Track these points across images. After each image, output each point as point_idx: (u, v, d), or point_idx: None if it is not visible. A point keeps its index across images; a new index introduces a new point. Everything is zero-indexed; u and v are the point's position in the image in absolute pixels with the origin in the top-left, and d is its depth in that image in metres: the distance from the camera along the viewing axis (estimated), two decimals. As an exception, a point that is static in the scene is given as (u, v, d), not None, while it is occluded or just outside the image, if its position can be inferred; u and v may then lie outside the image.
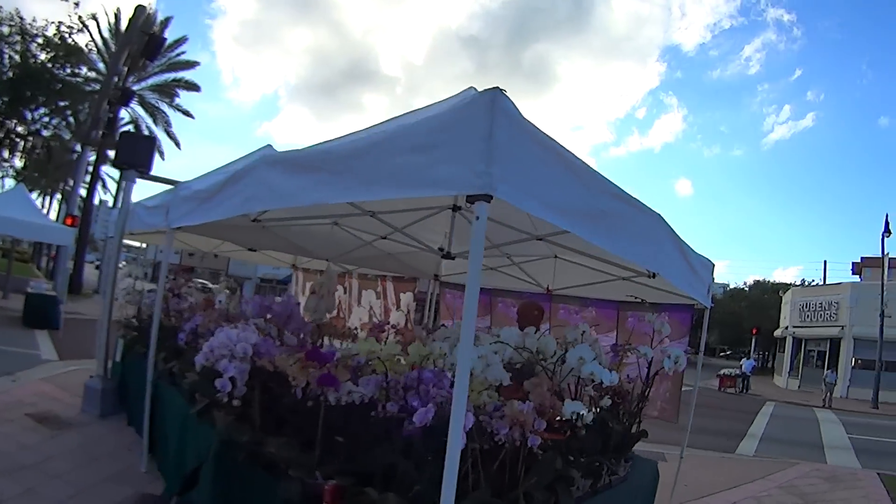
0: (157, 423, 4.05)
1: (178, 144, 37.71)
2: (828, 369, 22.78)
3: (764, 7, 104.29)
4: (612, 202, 2.39)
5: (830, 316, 26.78)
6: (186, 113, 28.00)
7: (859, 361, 24.32)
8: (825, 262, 76.12)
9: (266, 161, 2.80)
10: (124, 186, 5.84)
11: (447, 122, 1.87)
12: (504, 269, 5.42)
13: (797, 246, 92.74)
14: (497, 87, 1.80)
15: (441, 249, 4.55)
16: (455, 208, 4.06)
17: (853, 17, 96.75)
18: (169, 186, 5.07)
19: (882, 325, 21.06)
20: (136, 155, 5.64)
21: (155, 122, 27.15)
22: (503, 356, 2.58)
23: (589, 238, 2.19)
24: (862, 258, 42.74)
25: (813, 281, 43.50)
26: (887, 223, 21.57)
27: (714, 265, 4.05)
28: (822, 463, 8.49)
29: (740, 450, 9.15)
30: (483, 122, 1.76)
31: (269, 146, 5.50)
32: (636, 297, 4.50)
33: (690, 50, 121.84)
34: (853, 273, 39.27)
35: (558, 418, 2.37)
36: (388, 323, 4.74)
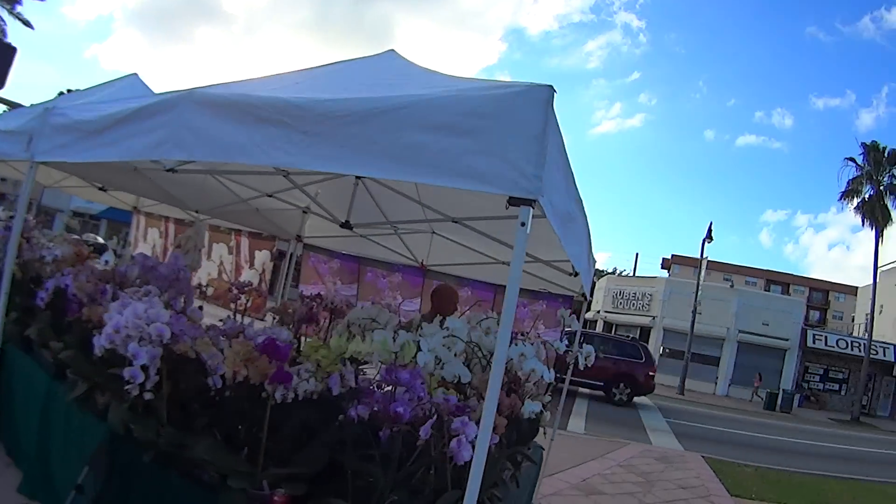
0: (5, 400, 3.38)
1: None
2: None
3: (616, 9, 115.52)
4: (576, 206, 2.48)
5: (643, 306, 29.93)
6: (26, 23, 22.72)
7: (667, 350, 27.77)
8: (637, 254, 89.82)
9: (195, 100, 2.29)
10: None
11: (488, 109, 1.72)
12: (375, 238, 5.27)
13: (608, 233, 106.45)
14: (551, 86, 1.69)
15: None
16: (359, 177, 3.85)
17: (699, 35, 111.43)
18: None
19: (693, 321, 24.59)
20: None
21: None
22: (455, 350, 2.50)
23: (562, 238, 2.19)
24: (672, 255, 51.47)
25: (624, 270, 49.65)
26: (710, 230, 25.16)
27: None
28: (649, 444, 9.58)
29: (571, 427, 9.90)
30: (537, 120, 1.66)
31: (136, 75, 4.80)
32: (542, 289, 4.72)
33: (535, 35, 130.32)
34: (662, 267, 45.82)
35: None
36: (250, 284, 4.31)
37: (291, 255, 5.96)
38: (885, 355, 27.22)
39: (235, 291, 3.29)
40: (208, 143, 2.20)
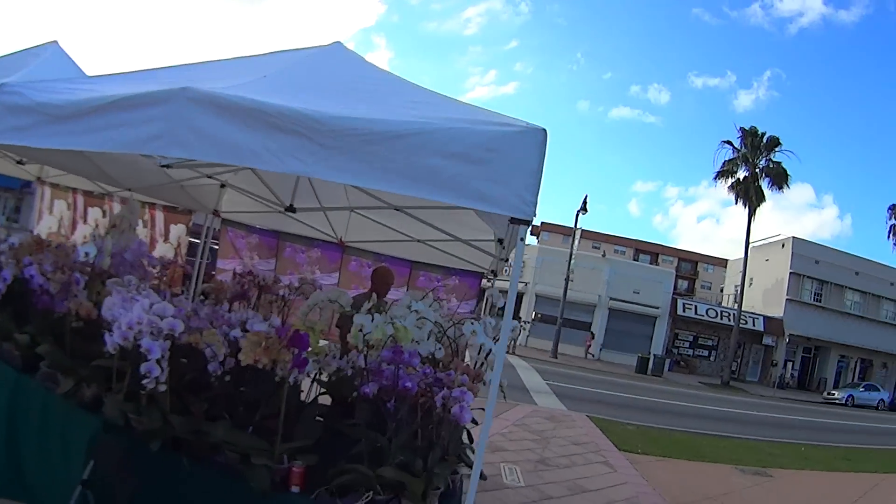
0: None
1: None
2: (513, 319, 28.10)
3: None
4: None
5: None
6: None
7: (539, 315, 28.80)
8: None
9: (191, 97, 2.34)
10: None
11: (496, 144, 2.06)
12: (295, 215, 5.35)
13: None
14: (545, 129, 2.08)
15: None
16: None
17: (582, 8, 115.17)
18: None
19: (566, 288, 26.42)
20: None
21: None
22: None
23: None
24: (542, 223, 53.57)
25: (497, 236, 51.34)
26: (585, 203, 26.93)
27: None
28: (535, 405, 10.16)
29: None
30: (534, 156, 2.04)
31: (56, 43, 4.66)
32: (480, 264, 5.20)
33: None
34: (531, 234, 48.41)
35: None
36: (174, 262, 4.40)
37: (209, 228, 5.87)
38: (754, 325, 31.27)
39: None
40: (214, 145, 2.28)
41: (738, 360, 30.58)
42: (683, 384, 23.63)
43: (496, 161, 2.03)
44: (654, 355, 26.74)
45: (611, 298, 28.95)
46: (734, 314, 29.33)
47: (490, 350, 2.76)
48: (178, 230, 5.89)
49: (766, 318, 31.31)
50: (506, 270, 5.13)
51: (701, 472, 7.05)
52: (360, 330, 2.56)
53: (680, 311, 30.31)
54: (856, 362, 33.16)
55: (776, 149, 28.48)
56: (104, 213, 6.23)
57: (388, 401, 2.19)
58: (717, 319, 30.77)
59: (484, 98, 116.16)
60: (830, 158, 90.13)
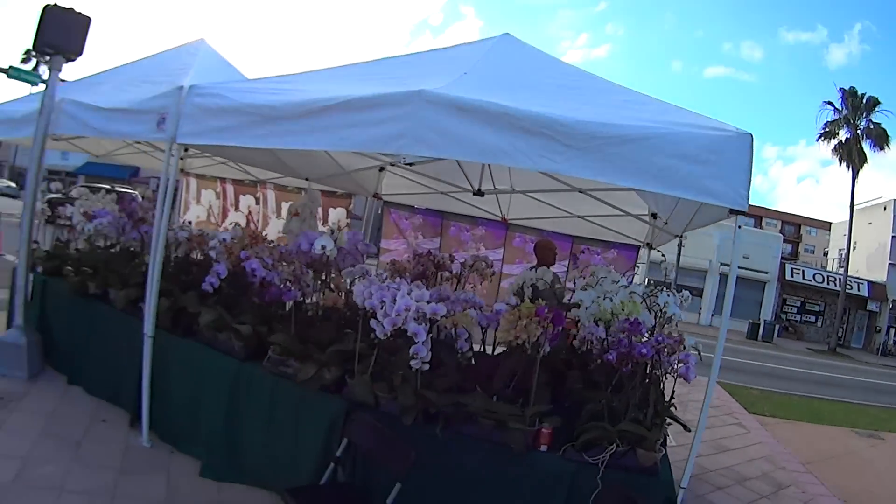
0: (158, 389, 3.78)
1: None
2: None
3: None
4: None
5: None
6: None
7: (651, 281, 29.85)
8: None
9: (429, 99, 2.76)
10: (49, 77, 4.59)
11: (717, 146, 2.54)
12: (456, 195, 5.98)
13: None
14: (751, 134, 2.52)
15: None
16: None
17: None
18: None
19: (679, 254, 26.22)
20: (66, 36, 4.46)
21: None
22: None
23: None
24: None
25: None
26: None
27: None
28: None
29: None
30: (746, 157, 2.52)
31: (203, 41, 5.15)
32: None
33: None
34: None
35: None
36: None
37: (374, 211, 6.66)
38: (859, 290, 31.16)
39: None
40: (459, 144, 2.78)
41: (844, 326, 30.82)
42: (793, 350, 24.51)
43: (719, 162, 2.60)
44: (764, 321, 27.47)
45: (721, 263, 29.18)
46: (839, 279, 29.67)
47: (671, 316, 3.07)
48: (337, 213, 6.69)
49: (871, 283, 31.29)
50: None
51: (821, 433, 7.86)
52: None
53: (788, 276, 30.76)
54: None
55: (876, 108, 28.49)
56: (257, 200, 7.11)
57: (625, 365, 2.58)
58: (824, 284, 31.02)
59: (578, 62, 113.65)
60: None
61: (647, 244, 5.96)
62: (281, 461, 3.39)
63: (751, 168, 2.53)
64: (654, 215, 5.06)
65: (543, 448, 2.74)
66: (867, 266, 33.45)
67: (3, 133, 5.57)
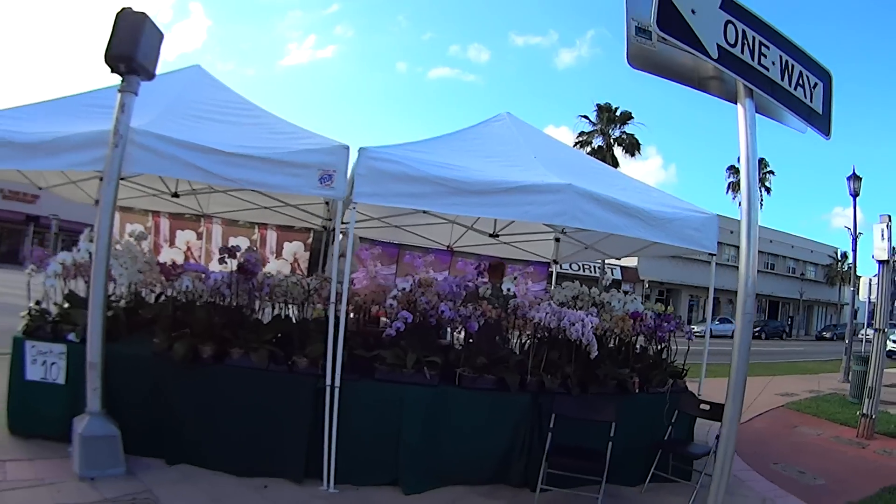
0: (344, 432, 4.25)
1: None
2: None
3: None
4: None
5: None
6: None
7: None
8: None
9: (577, 192, 4.65)
10: (121, 100, 3.96)
11: (704, 223, 5.41)
12: (408, 228, 7.59)
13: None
14: (716, 215, 5.45)
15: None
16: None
17: None
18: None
19: None
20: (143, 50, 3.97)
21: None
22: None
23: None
24: None
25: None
26: None
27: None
28: None
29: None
30: (715, 226, 5.47)
31: (199, 67, 5.83)
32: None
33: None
34: None
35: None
36: None
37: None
38: (612, 274, 34.96)
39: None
40: (596, 221, 4.79)
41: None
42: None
43: (704, 230, 5.41)
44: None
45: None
46: (594, 266, 32.88)
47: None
48: (293, 246, 7.00)
49: (623, 268, 36.45)
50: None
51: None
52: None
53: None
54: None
55: (628, 122, 35.82)
56: (199, 235, 7.09)
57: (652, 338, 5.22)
58: (581, 272, 32.95)
59: (302, 64, 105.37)
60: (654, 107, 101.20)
61: (554, 260, 8.32)
62: (478, 456, 4.49)
63: (716, 231, 5.27)
64: (556, 239, 7.83)
65: (637, 391, 5.02)
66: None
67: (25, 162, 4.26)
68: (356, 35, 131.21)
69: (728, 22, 2.82)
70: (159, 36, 4.08)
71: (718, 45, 2.76)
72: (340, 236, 4.50)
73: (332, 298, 4.24)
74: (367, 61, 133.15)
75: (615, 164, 36.16)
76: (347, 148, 4.27)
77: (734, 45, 2.83)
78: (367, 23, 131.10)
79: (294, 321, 4.82)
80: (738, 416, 3.11)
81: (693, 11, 2.68)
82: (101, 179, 6.20)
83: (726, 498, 4.25)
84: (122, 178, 4.22)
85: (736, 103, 2.94)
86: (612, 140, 36.11)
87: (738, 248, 2.84)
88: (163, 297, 5.00)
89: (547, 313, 4.63)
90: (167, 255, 6.74)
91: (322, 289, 4.69)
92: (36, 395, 4.43)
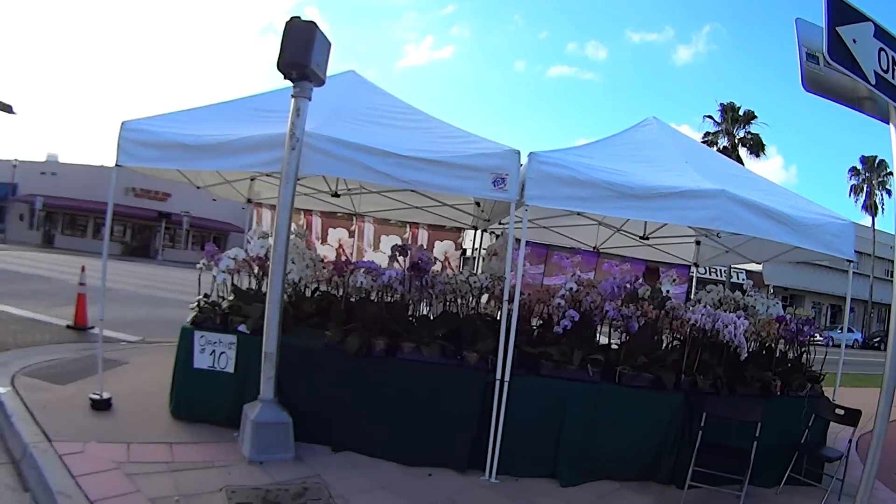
0: (510, 426, 4.39)
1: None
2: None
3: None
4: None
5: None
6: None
7: None
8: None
9: (729, 197, 4.75)
10: (295, 105, 4.12)
11: (841, 229, 5.41)
12: (556, 229, 7.86)
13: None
14: (853, 222, 5.45)
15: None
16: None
17: None
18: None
19: None
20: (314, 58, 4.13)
21: None
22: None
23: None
24: None
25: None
26: None
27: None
28: None
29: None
30: (852, 233, 5.51)
31: (353, 72, 5.95)
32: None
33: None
34: None
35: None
36: None
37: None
38: None
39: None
40: (746, 225, 4.87)
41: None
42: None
43: (843, 236, 5.42)
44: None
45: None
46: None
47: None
48: (444, 245, 7.43)
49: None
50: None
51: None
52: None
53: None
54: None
55: (752, 121, 35.20)
56: (350, 233, 7.45)
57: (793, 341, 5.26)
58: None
59: (421, 65, 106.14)
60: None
61: (694, 263, 8.57)
62: (630, 453, 4.60)
63: (854, 240, 5.29)
64: (697, 242, 8.03)
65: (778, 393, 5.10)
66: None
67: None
68: (473, 35, 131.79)
69: (881, 49, 3.28)
70: (328, 45, 4.27)
71: (875, 72, 3.22)
72: (512, 237, 4.57)
73: (506, 297, 4.36)
74: (486, 61, 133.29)
75: (740, 164, 36.24)
76: (518, 153, 4.43)
77: (886, 71, 3.29)
78: (484, 23, 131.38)
79: (461, 317, 4.93)
80: (886, 422, 3.19)
81: (854, 41, 3.15)
82: (252, 180, 6.89)
83: (844, 499, 4.51)
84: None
85: (888, 123, 3.36)
86: (736, 140, 35.37)
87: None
88: (317, 292, 5.14)
89: (702, 315, 4.76)
90: (320, 252, 7.00)
91: (493, 287, 4.84)
92: (203, 382, 4.62)
